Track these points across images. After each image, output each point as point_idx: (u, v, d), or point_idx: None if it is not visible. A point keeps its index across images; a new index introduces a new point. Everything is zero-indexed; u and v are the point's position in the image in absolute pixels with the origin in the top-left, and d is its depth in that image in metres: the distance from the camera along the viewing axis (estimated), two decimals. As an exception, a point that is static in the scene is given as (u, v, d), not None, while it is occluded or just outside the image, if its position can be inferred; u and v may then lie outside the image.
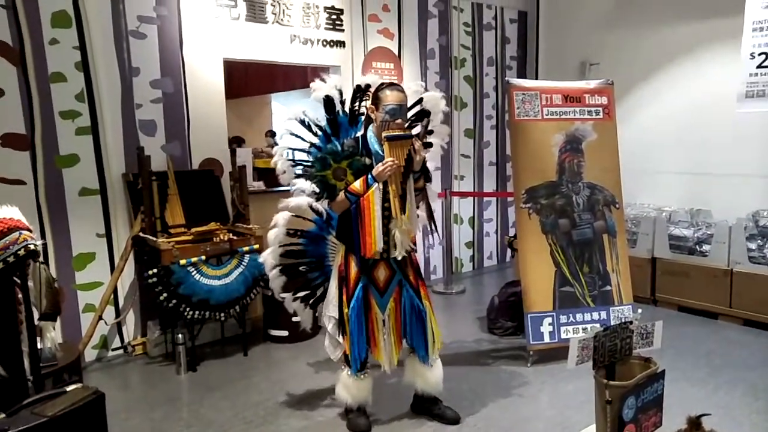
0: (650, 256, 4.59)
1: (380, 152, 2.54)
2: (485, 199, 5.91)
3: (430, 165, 2.90)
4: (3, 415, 1.71)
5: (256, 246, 3.63)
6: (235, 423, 2.84)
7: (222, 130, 4.12)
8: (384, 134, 2.50)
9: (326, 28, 4.48)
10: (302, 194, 2.82)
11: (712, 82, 4.66)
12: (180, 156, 3.90)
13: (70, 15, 3.43)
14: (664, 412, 1.98)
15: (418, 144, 2.54)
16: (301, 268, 2.92)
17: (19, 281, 2.01)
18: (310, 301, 2.98)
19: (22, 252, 1.95)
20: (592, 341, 1.89)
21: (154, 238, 3.46)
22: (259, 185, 5.21)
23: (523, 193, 3.54)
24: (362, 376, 2.68)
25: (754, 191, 4.43)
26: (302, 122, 2.77)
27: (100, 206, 3.62)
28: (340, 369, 2.74)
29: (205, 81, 3.98)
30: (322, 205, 2.84)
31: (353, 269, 2.62)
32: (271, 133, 7.97)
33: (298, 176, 2.79)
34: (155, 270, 3.34)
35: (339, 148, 2.59)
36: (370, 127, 2.61)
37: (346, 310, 2.62)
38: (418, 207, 2.75)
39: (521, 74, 6.03)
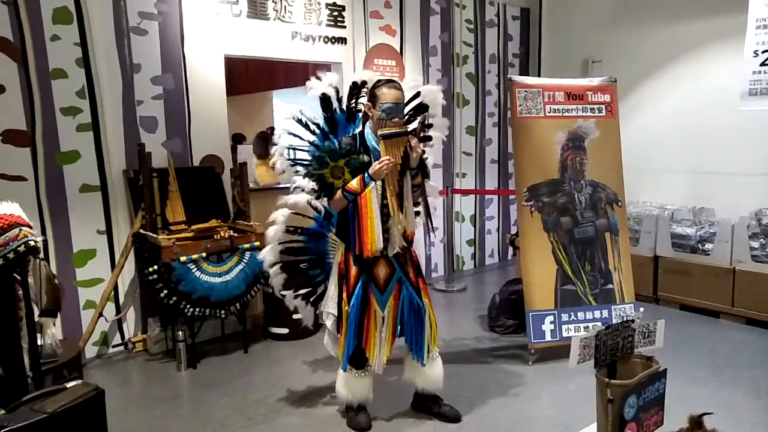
0: (652, 255, 4.58)
1: (378, 149, 2.54)
2: (487, 196, 5.90)
3: (430, 161, 2.90)
4: (3, 412, 1.71)
5: (257, 243, 3.62)
6: (235, 420, 2.84)
7: (223, 127, 4.12)
8: (379, 132, 2.50)
9: (328, 25, 4.47)
10: (301, 191, 2.81)
11: (715, 79, 4.65)
12: (181, 153, 3.90)
13: (71, 11, 3.42)
14: (665, 411, 1.97)
15: (414, 141, 2.53)
16: (301, 266, 2.92)
17: (19, 277, 2.01)
18: (311, 299, 2.98)
19: (22, 248, 1.95)
20: (593, 340, 1.88)
21: (155, 235, 3.46)
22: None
23: (525, 191, 3.53)
24: (362, 374, 2.68)
25: (757, 189, 4.42)
26: (299, 121, 2.77)
27: (101, 203, 3.62)
28: (340, 367, 2.73)
29: (206, 77, 3.97)
30: (321, 203, 2.83)
31: (353, 267, 2.62)
32: (270, 130, 7.96)
33: (297, 174, 2.79)
34: (156, 267, 3.34)
35: (336, 146, 2.58)
36: (368, 124, 2.61)
37: (346, 308, 2.62)
38: (417, 204, 2.75)
39: (524, 71, 6.02)
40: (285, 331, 3.91)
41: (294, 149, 2.81)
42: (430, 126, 2.92)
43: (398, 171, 2.53)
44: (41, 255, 2.04)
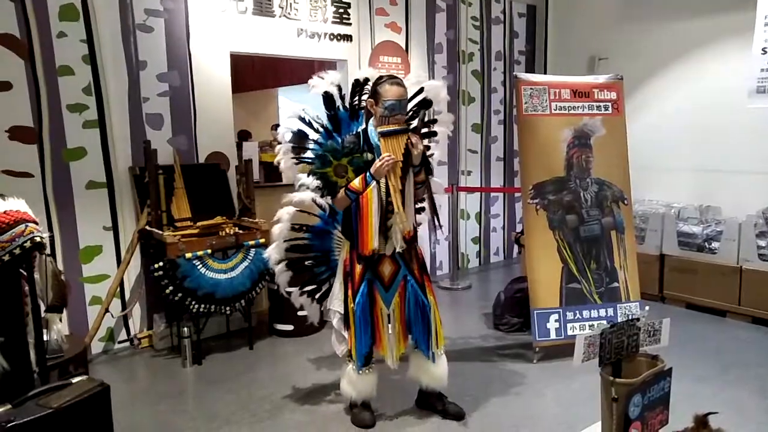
0: (659, 253, 4.56)
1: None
2: (492, 194, 5.88)
3: (435, 158, 2.89)
4: (9, 406, 1.72)
5: (262, 240, 3.63)
6: (240, 416, 2.85)
7: (228, 124, 4.12)
8: (378, 130, 2.50)
9: (333, 22, 4.46)
10: (306, 189, 2.81)
11: (722, 77, 4.60)
12: (186, 149, 3.91)
13: (78, 8, 3.43)
14: (670, 410, 1.96)
15: (415, 138, 2.52)
16: (306, 263, 2.92)
17: (25, 273, 2.02)
18: (317, 296, 2.98)
19: (28, 244, 1.96)
20: (598, 338, 1.87)
21: (160, 232, 3.47)
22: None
23: (530, 188, 3.52)
24: (367, 371, 2.68)
25: (764, 188, 4.38)
26: (302, 120, 2.77)
27: (107, 199, 3.64)
28: (345, 364, 2.73)
29: (212, 75, 3.98)
30: (326, 200, 2.83)
31: (358, 264, 2.61)
32: (277, 127, 7.97)
33: (301, 171, 2.79)
34: (161, 263, 3.35)
35: (339, 144, 2.58)
36: (371, 121, 2.60)
37: (351, 305, 2.62)
38: (422, 201, 2.74)
39: (529, 69, 5.99)
40: (290, 327, 3.91)
41: (298, 148, 2.81)
42: (434, 121, 2.91)
43: (401, 168, 2.52)
44: (47, 251, 2.05)
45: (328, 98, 2.77)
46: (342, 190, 2.55)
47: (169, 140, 3.82)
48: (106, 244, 3.65)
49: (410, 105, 2.78)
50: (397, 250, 2.57)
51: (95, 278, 3.61)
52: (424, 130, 2.86)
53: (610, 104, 3.68)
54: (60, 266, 3.45)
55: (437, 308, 2.73)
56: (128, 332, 3.78)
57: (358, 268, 2.61)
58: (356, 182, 2.52)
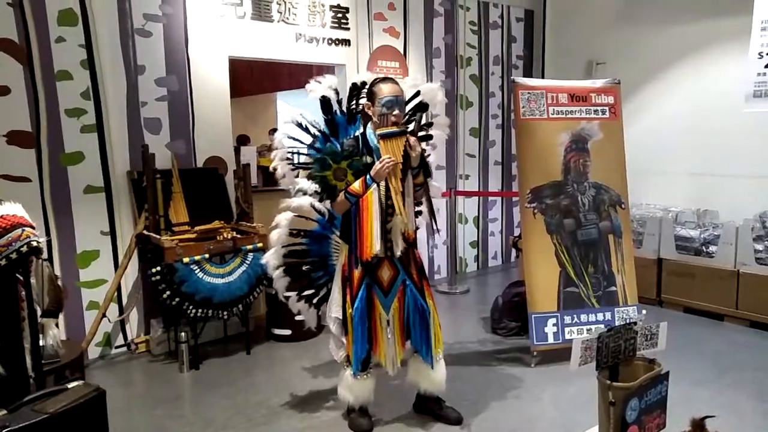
0: (656, 257, 4.56)
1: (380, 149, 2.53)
2: (490, 198, 5.89)
3: (433, 161, 2.89)
4: (4, 412, 1.71)
5: (260, 244, 3.62)
6: (236, 421, 2.84)
7: (227, 129, 4.12)
8: (377, 132, 2.50)
9: (332, 27, 4.47)
10: (304, 194, 2.81)
11: (719, 81, 4.62)
12: (184, 154, 3.90)
13: (77, 13, 3.44)
14: (668, 413, 1.95)
15: (413, 139, 2.52)
16: (304, 268, 2.91)
17: (21, 278, 2.01)
18: (314, 301, 2.98)
19: (24, 249, 1.95)
20: (595, 342, 1.87)
21: (158, 236, 3.46)
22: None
23: (528, 192, 3.52)
24: (365, 376, 2.67)
25: (762, 192, 4.39)
26: (299, 125, 2.77)
27: (105, 204, 3.63)
28: (343, 369, 2.72)
29: (211, 79, 3.98)
30: (324, 205, 2.83)
31: (356, 269, 2.61)
32: (275, 131, 7.98)
33: (299, 176, 2.79)
34: (159, 268, 3.34)
35: (338, 148, 2.58)
36: (369, 125, 2.60)
37: (349, 311, 2.61)
38: (420, 203, 2.74)
39: (527, 73, 6.01)
40: (288, 332, 3.91)
41: (296, 153, 2.81)
42: (430, 125, 2.91)
43: (401, 170, 2.52)
44: (44, 255, 2.04)
45: (325, 102, 2.77)
46: (341, 194, 2.55)
47: (167, 145, 3.82)
48: (104, 249, 3.64)
49: (407, 108, 2.78)
50: (397, 254, 2.56)
51: (92, 283, 3.60)
52: (421, 133, 2.86)
53: (607, 108, 3.69)
54: (57, 271, 3.44)
55: (436, 312, 2.72)
56: (125, 337, 3.77)
57: (357, 272, 2.60)
58: (356, 185, 2.52)
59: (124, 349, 3.75)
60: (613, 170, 3.68)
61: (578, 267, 3.52)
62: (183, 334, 3.44)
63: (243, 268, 3.60)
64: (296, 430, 2.76)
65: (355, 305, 2.58)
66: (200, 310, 3.42)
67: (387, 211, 2.52)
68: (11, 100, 3.26)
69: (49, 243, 3.41)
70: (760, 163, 4.41)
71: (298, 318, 3.11)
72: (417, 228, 2.83)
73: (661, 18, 5.00)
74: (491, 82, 5.75)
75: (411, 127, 2.70)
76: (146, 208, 3.57)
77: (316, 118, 2.84)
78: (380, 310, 2.63)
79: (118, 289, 3.67)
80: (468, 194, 5.59)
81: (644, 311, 3.59)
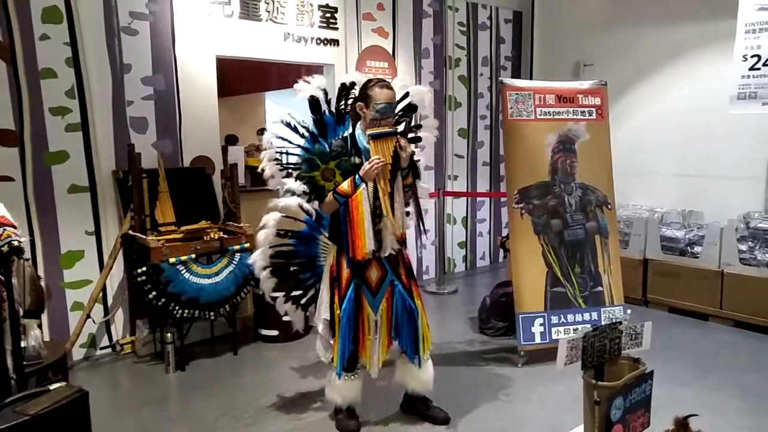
0: (642, 257, 4.60)
1: (369, 150, 2.53)
2: (478, 199, 5.91)
3: (422, 163, 2.89)
4: (-16, 414, 1.68)
5: (247, 245, 3.61)
6: (223, 423, 2.82)
7: (214, 128, 4.10)
8: (368, 132, 2.49)
9: (320, 26, 4.46)
10: (292, 195, 2.80)
11: (705, 83, 4.67)
12: (171, 153, 3.87)
13: (61, 10, 3.40)
14: (652, 412, 1.97)
15: (403, 140, 2.53)
16: (291, 269, 2.90)
17: (2, 278, 1.98)
18: (302, 302, 2.96)
19: (5, 248, 1.93)
20: (581, 341, 1.88)
21: (144, 236, 3.43)
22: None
23: (515, 193, 3.54)
24: (352, 377, 2.67)
25: (746, 193, 4.45)
26: (288, 125, 2.76)
27: (90, 203, 3.59)
28: (330, 370, 2.72)
29: (198, 78, 3.95)
30: (312, 206, 2.82)
31: (345, 270, 2.60)
32: (264, 131, 7.94)
33: (287, 176, 2.78)
34: (144, 268, 3.31)
35: (327, 148, 2.57)
36: (359, 125, 2.60)
37: (337, 312, 2.60)
38: (407, 204, 2.74)
39: (516, 74, 6.04)
40: (275, 333, 3.89)
41: (284, 153, 2.80)
42: (419, 127, 2.91)
43: (389, 171, 2.52)
44: (25, 255, 2.02)
45: (314, 102, 2.77)
46: (330, 194, 2.54)
47: (153, 144, 3.79)
48: (89, 249, 3.60)
49: (397, 109, 2.78)
50: (385, 254, 2.56)
51: (77, 284, 3.57)
52: (410, 135, 2.86)
53: (594, 110, 3.71)
54: (41, 271, 3.40)
55: (425, 313, 2.72)
56: (110, 338, 3.73)
57: (345, 273, 2.60)
58: (345, 185, 2.51)
59: (109, 350, 3.71)
60: (599, 171, 3.71)
61: (565, 267, 3.54)
62: (169, 334, 3.42)
63: (230, 268, 3.58)
64: None
65: (344, 306, 2.58)
66: (186, 311, 3.40)
67: (375, 213, 2.52)
68: (-6, 98, 3.22)
69: (32, 243, 3.37)
70: (745, 164, 4.47)
71: (285, 319, 3.10)
72: (407, 227, 2.83)
73: (648, 20, 5.05)
74: (480, 83, 5.77)
75: (401, 127, 2.70)
76: (132, 208, 3.54)
77: (304, 118, 2.83)
78: (368, 310, 2.63)
79: (103, 289, 3.63)
80: (456, 195, 5.61)
81: (629, 311, 3.61)
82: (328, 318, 2.67)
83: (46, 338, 3.24)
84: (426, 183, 3.12)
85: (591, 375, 1.92)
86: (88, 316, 3.51)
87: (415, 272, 2.83)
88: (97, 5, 3.52)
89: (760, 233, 4.12)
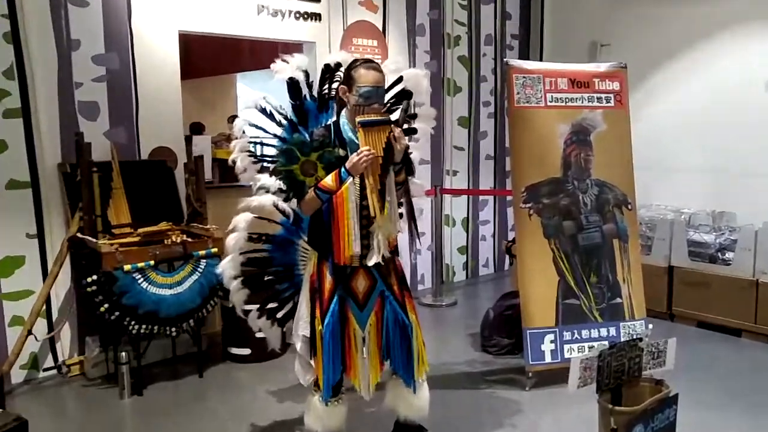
0: (667, 265, 4.65)
1: (355, 140, 2.52)
2: (481, 197, 5.94)
3: (416, 157, 2.90)
4: None
5: (214, 250, 3.61)
6: (186, 455, 2.82)
7: (176, 115, 4.10)
8: (357, 119, 2.49)
9: (299, -1, 4.48)
10: (266, 192, 2.80)
11: (737, 68, 4.73)
12: (126, 144, 3.87)
13: (-2, -23, 3.38)
14: (677, 442, 2.00)
15: (398, 131, 2.53)
16: (266, 279, 2.90)
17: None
18: (278, 316, 2.96)
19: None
20: (596, 361, 1.91)
21: (95, 240, 3.42)
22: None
23: (522, 191, 3.56)
24: (336, 403, 2.66)
25: (784, 192, 4.51)
26: (263, 111, 2.76)
27: (32, 202, 3.59)
28: (310, 394, 2.71)
29: (157, 57, 3.95)
30: (290, 205, 2.82)
31: (327, 279, 2.60)
32: (235, 119, 7.93)
33: (261, 171, 2.77)
34: (95, 277, 3.30)
35: (307, 138, 2.57)
36: (343, 113, 2.60)
37: (319, 328, 2.59)
38: (399, 205, 2.75)
39: (523, 55, 6.08)
40: (247, 352, 3.89)
41: (259, 144, 2.80)
42: (415, 116, 2.92)
43: (380, 165, 2.52)
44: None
45: (293, 86, 2.76)
46: (311, 191, 2.54)
47: (105, 133, 3.79)
48: (30, 254, 3.59)
49: (388, 96, 2.78)
50: (372, 262, 2.55)
51: (16, 294, 3.55)
52: (405, 126, 2.87)
53: (612, 96, 3.75)
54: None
55: (420, 329, 2.73)
56: (55, 358, 3.72)
57: (328, 283, 2.59)
58: (329, 180, 2.50)
59: (54, 372, 3.70)
60: (618, 166, 3.75)
61: (579, 276, 3.57)
62: (124, 354, 3.41)
63: (195, 277, 3.58)
64: (256, 465, 2.75)
65: (326, 321, 2.57)
66: (144, 326, 3.39)
67: (362, 213, 2.52)
68: None
69: (-36, 248, 3.35)
70: (782, 159, 4.53)
71: (259, 335, 3.10)
72: (399, 231, 2.83)
73: (673, -5, 5.10)
74: (483, 64, 5.80)
75: (396, 116, 2.70)
76: (81, 207, 3.53)
77: (282, 103, 2.83)
78: (355, 326, 2.63)
79: (47, 301, 3.61)
80: (456, 193, 5.64)
81: (651, 325, 3.65)
82: (308, 335, 2.66)
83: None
84: (420, 179, 3.13)
85: (607, 399, 1.94)
86: (30, 333, 3.49)
87: (408, 282, 2.84)
88: (40, -28, 3.51)
89: (800, 237, 4.18)
